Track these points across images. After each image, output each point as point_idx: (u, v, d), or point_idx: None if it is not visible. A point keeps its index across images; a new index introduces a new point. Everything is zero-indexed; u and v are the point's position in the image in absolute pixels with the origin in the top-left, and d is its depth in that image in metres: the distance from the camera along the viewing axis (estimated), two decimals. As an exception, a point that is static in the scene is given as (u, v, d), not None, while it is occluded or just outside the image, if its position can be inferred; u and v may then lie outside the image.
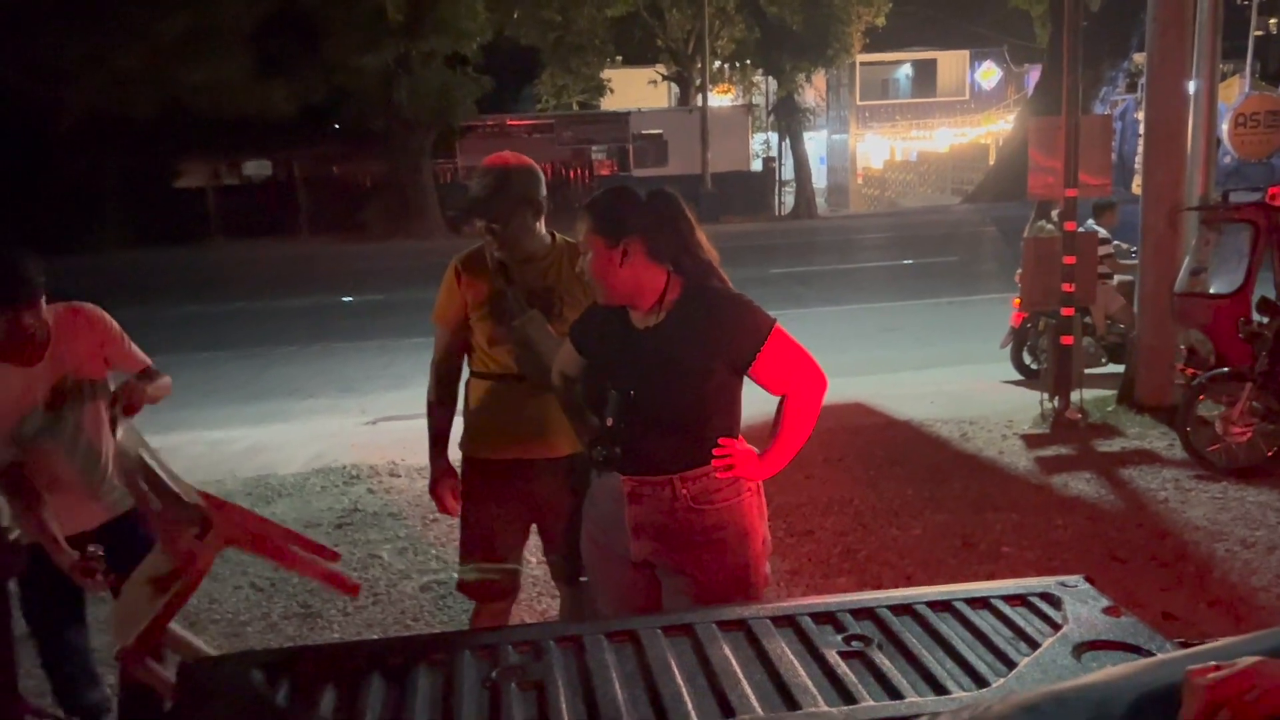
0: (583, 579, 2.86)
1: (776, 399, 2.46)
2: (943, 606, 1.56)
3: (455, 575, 4.66)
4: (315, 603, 4.49)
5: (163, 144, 23.70)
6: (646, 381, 2.32)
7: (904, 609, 1.56)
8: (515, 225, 2.92)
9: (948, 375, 8.43)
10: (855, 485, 5.70)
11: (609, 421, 2.32)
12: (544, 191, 2.98)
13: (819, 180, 29.38)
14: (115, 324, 2.85)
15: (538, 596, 4.38)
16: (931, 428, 6.92)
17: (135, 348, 2.90)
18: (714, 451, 2.33)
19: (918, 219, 24.33)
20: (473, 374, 3.11)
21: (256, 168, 27.18)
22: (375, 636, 4.15)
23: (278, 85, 21.55)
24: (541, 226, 3.00)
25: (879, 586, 4.42)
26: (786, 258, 16.87)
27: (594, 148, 28.51)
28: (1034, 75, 28.72)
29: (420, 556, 5.00)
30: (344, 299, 14.23)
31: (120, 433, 2.67)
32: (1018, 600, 1.61)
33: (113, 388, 2.76)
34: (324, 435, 7.18)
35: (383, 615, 4.37)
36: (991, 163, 29.07)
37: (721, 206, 23.79)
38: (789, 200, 27.23)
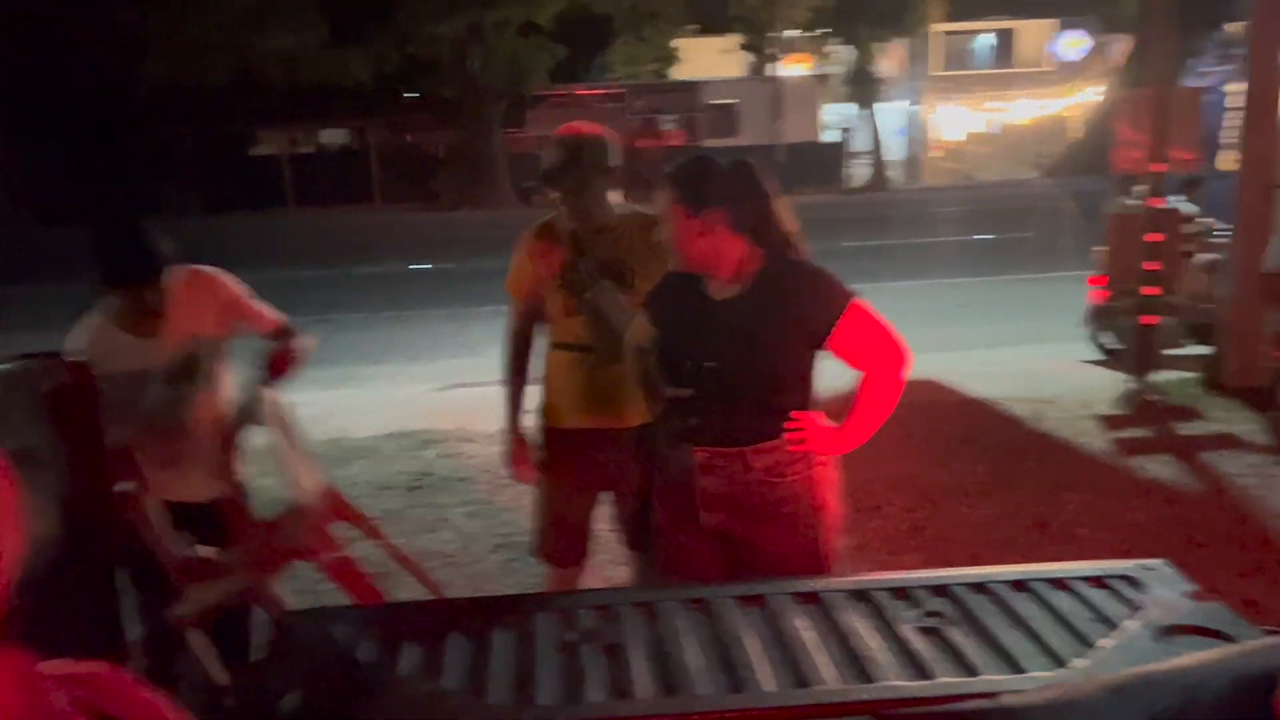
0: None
1: (858, 372, 2.44)
2: (1019, 586, 1.55)
3: (524, 540, 4.75)
4: (391, 564, 4.60)
5: (240, 112, 24.16)
6: (723, 353, 2.32)
7: (980, 587, 1.54)
8: (589, 196, 2.92)
9: (1022, 353, 8.27)
10: (925, 462, 5.63)
11: (685, 393, 2.33)
12: (617, 161, 2.98)
13: (893, 152, 28.83)
14: (237, 283, 2.79)
15: (608, 563, 4.42)
16: (1005, 406, 6.80)
17: (262, 305, 2.85)
18: (787, 425, 2.32)
19: (994, 193, 23.78)
20: (549, 345, 3.14)
21: (331, 136, 27.58)
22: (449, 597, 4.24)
23: (353, 54, 21.80)
24: (615, 196, 2.99)
25: (947, 565, 4.37)
26: (858, 231, 16.63)
27: (665, 117, 28.34)
28: (1120, 46, 27.76)
29: (490, 521, 5.08)
30: (415, 267, 14.41)
31: (262, 402, 2.63)
32: (1097, 582, 1.58)
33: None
34: (396, 401, 7.31)
35: (454, 577, 4.46)
36: (1072, 136, 28.23)
37: (793, 178, 23.50)
38: (862, 172, 26.78)
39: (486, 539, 4.84)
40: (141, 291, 2.45)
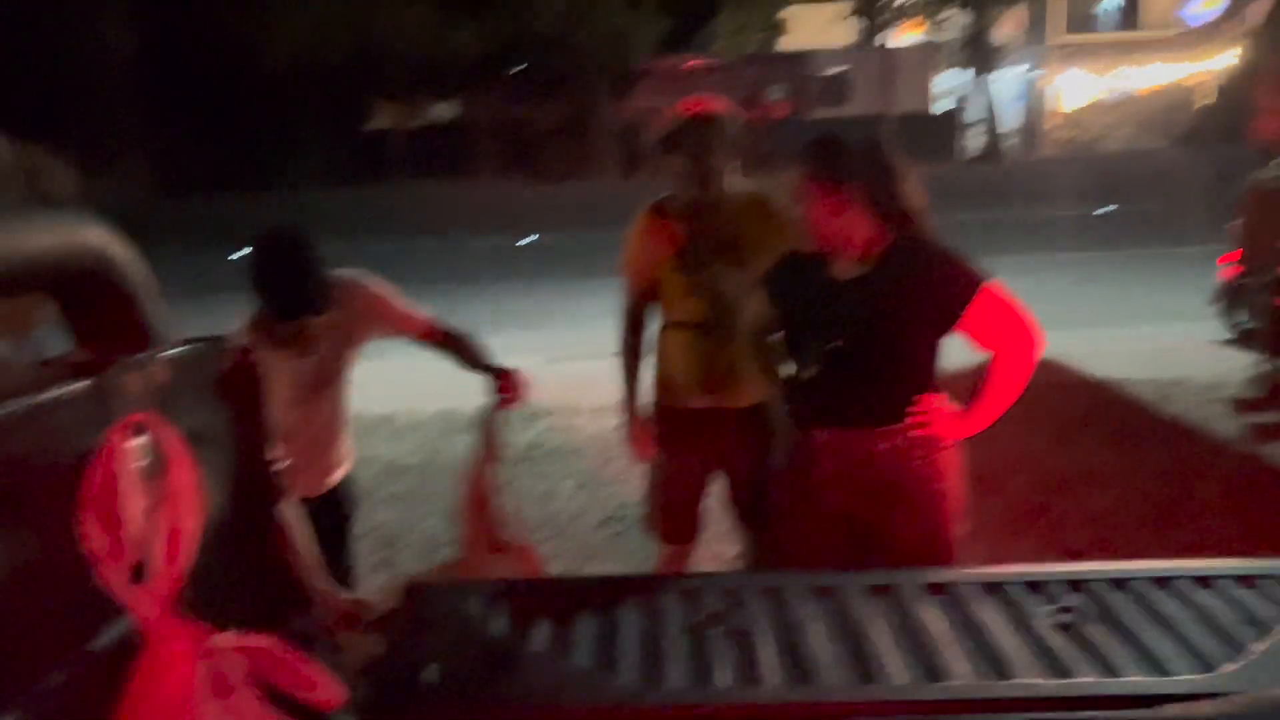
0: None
1: (985, 353, 2.38)
2: (1161, 583, 1.49)
3: (631, 515, 4.79)
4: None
5: (356, 87, 24.75)
6: (850, 334, 2.28)
7: (1119, 583, 1.49)
8: (710, 173, 2.88)
9: (1147, 332, 7.94)
10: (1045, 445, 5.47)
11: (810, 374, 2.31)
12: (738, 139, 2.94)
13: (1010, 122, 27.83)
14: (386, 288, 2.70)
15: (718, 540, 4.43)
16: (1129, 388, 6.55)
17: (412, 307, 2.75)
18: (912, 409, 2.29)
19: (1117, 163, 22.77)
20: (663, 324, 3.11)
21: (441, 110, 28.03)
22: (557, 569, 4.31)
23: (463, 29, 22.09)
24: (735, 173, 2.95)
25: (1066, 552, 4.25)
26: (972, 204, 16.12)
27: (772, 88, 27.91)
28: (1258, 6, 26.15)
29: (599, 493, 5.14)
30: (522, 240, 14.59)
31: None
32: (1247, 581, 1.51)
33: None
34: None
35: (563, 549, 4.53)
36: (1203, 104, 26.78)
37: (903, 149, 22.91)
38: (976, 143, 25.94)
39: (594, 512, 4.90)
40: (305, 324, 2.38)
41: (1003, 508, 4.68)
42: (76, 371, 0.81)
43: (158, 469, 0.85)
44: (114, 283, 0.80)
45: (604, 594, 1.54)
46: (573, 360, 7.64)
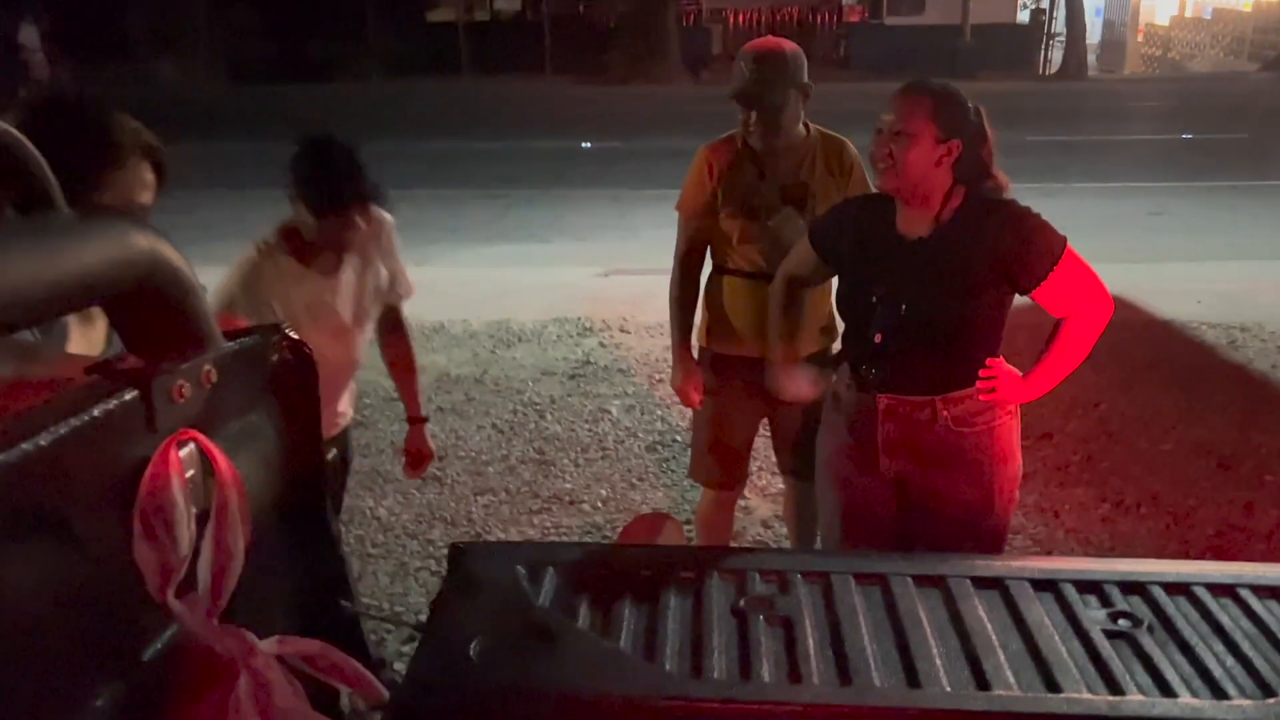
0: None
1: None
2: (1225, 591, 1.44)
3: (679, 440, 4.80)
4: (549, 450, 4.76)
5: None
6: (919, 296, 2.22)
7: (1180, 589, 1.45)
8: (784, 116, 2.79)
9: (1222, 271, 7.66)
10: (1104, 388, 5.35)
11: (877, 338, 2.25)
12: (808, 80, 2.85)
13: (1093, 35, 26.58)
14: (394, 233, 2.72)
15: (762, 487, 4.44)
16: (1196, 330, 6.37)
17: (402, 260, 2.75)
18: (980, 373, 2.24)
19: (1205, 86, 21.74)
20: (716, 269, 3.03)
21: (506, 3, 27.48)
22: (603, 491, 4.36)
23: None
24: (801, 113, 2.87)
25: (1119, 504, 4.20)
26: (1048, 123, 15.57)
27: (846, -9, 26.87)
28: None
29: (647, 416, 5.16)
30: (583, 144, 14.39)
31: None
32: (1317, 593, 1.46)
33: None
34: (559, 284, 7.42)
35: (610, 471, 4.57)
36: (1304, 23, 25.33)
37: (980, 61, 22.03)
38: (1056, 57, 24.86)
39: (642, 435, 4.93)
40: (343, 224, 2.37)
41: (1054, 454, 4.62)
42: (127, 380, 0.79)
43: (206, 479, 0.84)
44: (163, 288, 0.78)
45: (647, 565, 1.53)
46: (626, 274, 7.59)
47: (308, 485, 1.06)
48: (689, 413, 5.15)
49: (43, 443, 0.69)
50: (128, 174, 1.45)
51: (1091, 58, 25.57)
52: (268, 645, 0.85)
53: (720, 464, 3.18)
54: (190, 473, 0.83)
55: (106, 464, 0.77)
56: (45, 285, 0.65)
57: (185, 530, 0.80)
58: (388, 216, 2.65)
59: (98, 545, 0.77)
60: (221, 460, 0.83)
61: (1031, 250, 2.19)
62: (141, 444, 0.80)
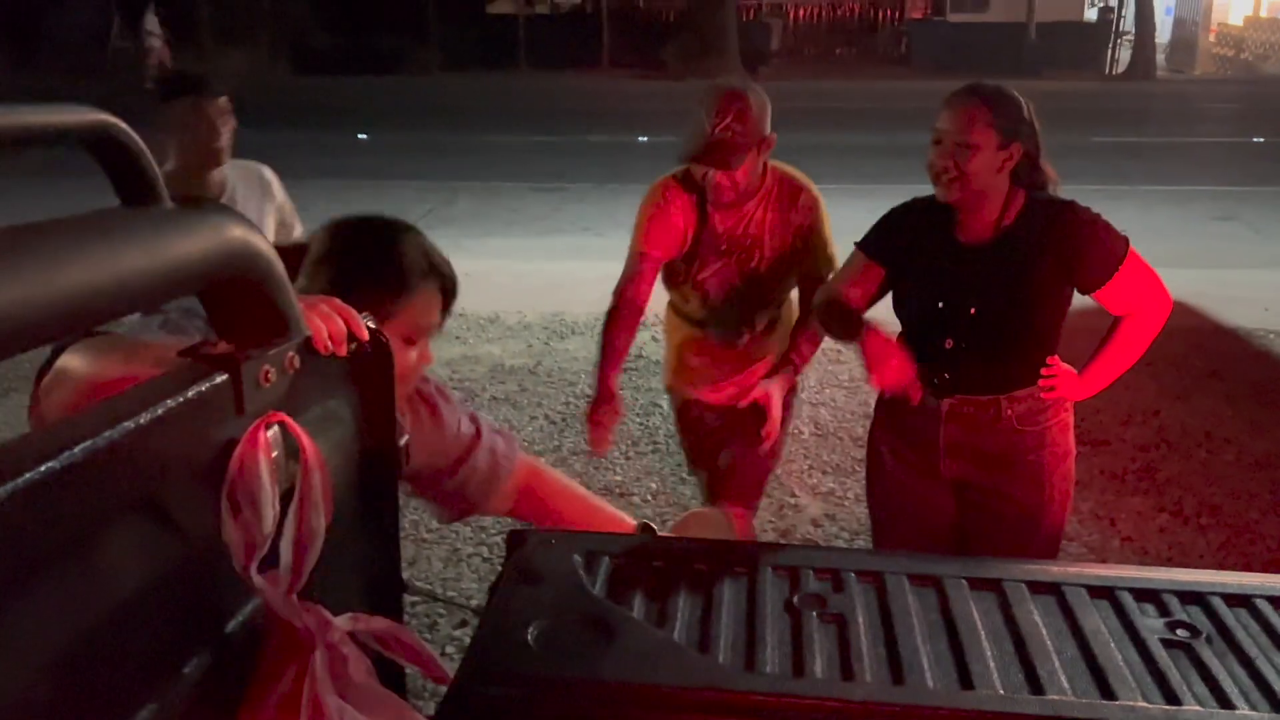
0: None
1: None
2: (1288, 603, 1.43)
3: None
4: (600, 445, 4.79)
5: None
6: (988, 301, 2.23)
7: (1241, 600, 1.43)
8: (745, 170, 2.58)
9: (1290, 281, 7.48)
10: (1164, 396, 5.26)
11: (948, 343, 2.26)
12: (769, 129, 2.62)
13: (1163, 34, 25.99)
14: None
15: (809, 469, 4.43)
16: (1263, 339, 6.23)
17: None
18: (1042, 372, 2.26)
19: (1278, 88, 21.17)
20: (670, 305, 2.92)
21: (565, -3, 27.60)
22: (653, 485, 4.39)
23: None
24: (764, 156, 2.66)
25: (1178, 514, 4.13)
26: (1114, 124, 15.29)
27: (908, -12, 26.59)
28: None
29: (698, 413, 5.17)
30: (639, 139, 14.41)
31: None
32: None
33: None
34: (613, 278, 7.42)
35: (660, 465, 4.60)
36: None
37: (1045, 60, 21.68)
38: (1125, 56, 24.35)
39: (695, 432, 4.94)
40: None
41: (1111, 462, 4.55)
42: (218, 364, 0.83)
43: (290, 460, 0.88)
44: (254, 278, 0.82)
45: (702, 559, 1.55)
46: (681, 270, 7.61)
47: (381, 471, 1.10)
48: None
49: (142, 421, 0.72)
50: (416, 301, 1.42)
51: (1161, 57, 25.01)
52: (342, 622, 0.89)
53: (719, 486, 3.01)
54: (275, 454, 0.87)
55: (198, 443, 0.81)
56: (153, 274, 0.69)
57: (270, 509, 0.83)
58: None
59: (189, 520, 0.81)
60: (307, 442, 0.86)
61: (1095, 252, 2.20)
62: (230, 425, 0.84)
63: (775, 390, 2.54)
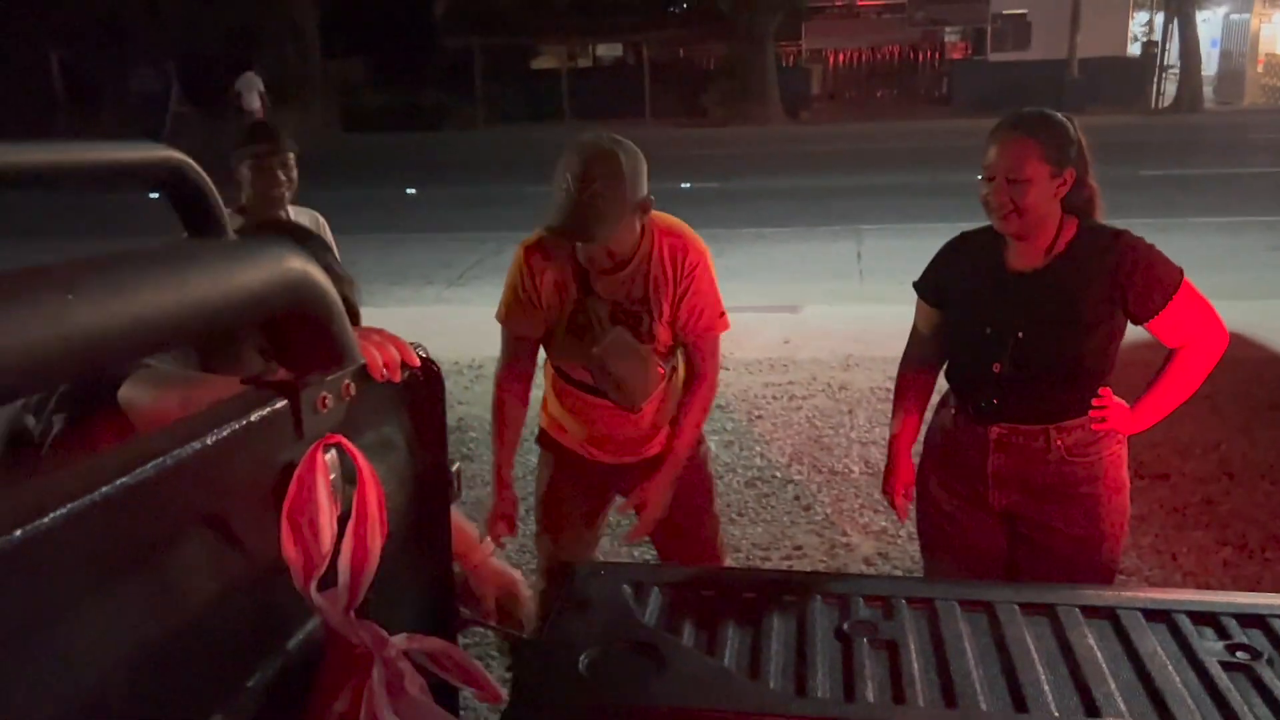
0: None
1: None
2: (1351, 626, 1.40)
3: (779, 475, 4.80)
4: (650, 486, 4.79)
5: (524, 27, 25.06)
6: (1036, 327, 2.22)
7: (1302, 622, 1.41)
8: (619, 238, 2.28)
9: (1350, 311, 7.30)
10: (1224, 428, 5.15)
11: (996, 368, 2.25)
12: (645, 191, 2.32)
13: (1209, 66, 25.74)
14: None
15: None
16: (1324, 372, 6.07)
17: None
18: (1093, 402, 2.23)
19: (1330, 117, 20.82)
20: (552, 366, 2.59)
21: (607, 50, 28.07)
22: (703, 526, 4.38)
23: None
24: (642, 216, 2.35)
25: (1242, 547, 4.02)
26: (1162, 158, 15.12)
27: (948, 29, 26.67)
28: None
29: (745, 451, 5.16)
30: (682, 185, 14.55)
31: None
32: None
33: None
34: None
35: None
36: None
37: (1088, 96, 21.53)
38: (1170, 90, 24.14)
39: (741, 470, 4.93)
40: None
41: (1171, 496, 4.46)
42: (278, 390, 0.87)
43: (346, 483, 0.91)
44: (311, 308, 0.86)
45: (750, 588, 1.56)
46: (725, 313, 7.65)
47: (434, 495, 1.13)
48: (789, 448, 5.16)
49: (208, 441, 0.76)
50: None
51: (1208, 90, 24.74)
52: (398, 640, 0.91)
53: (559, 550, 2.71)
54: (333, 476, 0.90)
55: (260, 465, 0.85)
56: (217, 304, 0.73)
57: (328, 529, 0.87)
58: None
59: (252, 539, 0.84)
60: (363, 463, 0.90)
61: (1147, 281, 2.18)
62: (290, 449, 0.87)
63: (659, 486, 2.44)
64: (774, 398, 5.88)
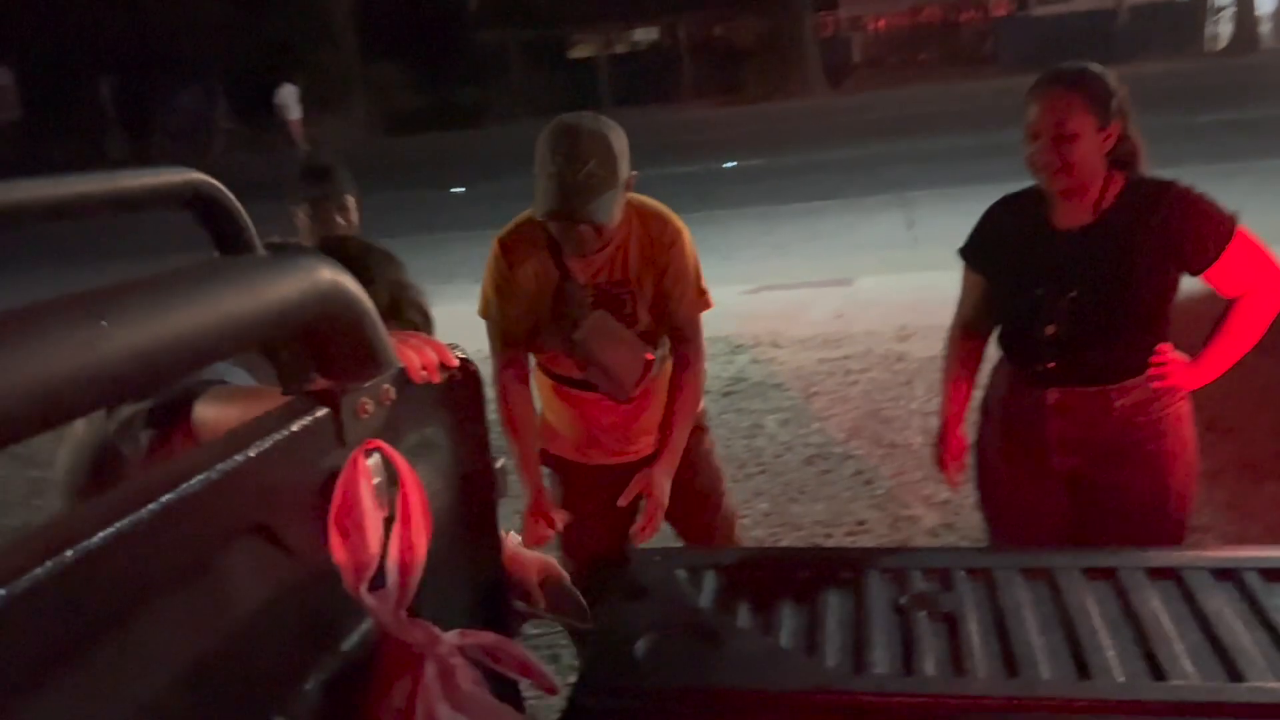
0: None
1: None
2: None
3: (837, 451, 4.76)
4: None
5: (559, 16, 25.07)
6: (1088, 286, 2.17)
7: (1376, 574, 1.37)
8: (606, 229, 2.23)
9: None
10: (1294, 378, 5.00)
11: (1049, 330, 2.21)
12: (628, 168, 2.27)
13: (1264, 4, 24.84)
14: None
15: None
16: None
17: None
18: (1151, 360, 2.18)
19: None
20: (539, 367, 2.54)
21: (644, 34, 27.98)
22: (764, 506, 4.37)
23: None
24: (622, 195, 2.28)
25: (1318, 500, 3.91)
26: (1218, 102, 14.64)
27: (989, -15, 26.10)
28: None
29: (803, 429, 5.13)
30: (725, 164, 14.49)
31: None
32: None
33: None
34: (714, 301, 7.48)
35: (769, 485, 4.57)
36: None
37: (1138, 44, 20.94)
38: (1224, 32, 23.35)
39: (800, 448, 4.90)
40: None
41: (1243, 450, 4.34)
42: (319, 399, 0.89)
43: (391, 486, 0.93)
44: (346, 317, 0.87)
45: (808, 568, 1.55)
46: (775, 290, 7.59)
47: (479, 493, 1.14)
48: (847, 423, 5.12)
49: (251, 454, 0.78)
50: None
51: (1264, 29, 23.90)
52: (451, 637, 0.93)
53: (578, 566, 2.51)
54: (376, 480, 0.92)
55: (305, 473, 0.87)
56: (250, 318, 0.75)
57: (374, 532, 0.88)
58: None
59: (302, 546, 0.86)
60: (404, 466, 0.91)
61: (1201, 231, 2.13)
62: (333, 456, 0.89)
63: (659, 478, 2.34)
64: (829, 373, 5.84)
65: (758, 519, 4.27)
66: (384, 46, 25.04)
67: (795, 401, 5.53)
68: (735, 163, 14.53)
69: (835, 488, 4.44)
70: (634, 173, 2.26)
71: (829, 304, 7.08)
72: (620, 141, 2.23)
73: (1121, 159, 2.18)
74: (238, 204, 0.79)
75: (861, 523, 4.11)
